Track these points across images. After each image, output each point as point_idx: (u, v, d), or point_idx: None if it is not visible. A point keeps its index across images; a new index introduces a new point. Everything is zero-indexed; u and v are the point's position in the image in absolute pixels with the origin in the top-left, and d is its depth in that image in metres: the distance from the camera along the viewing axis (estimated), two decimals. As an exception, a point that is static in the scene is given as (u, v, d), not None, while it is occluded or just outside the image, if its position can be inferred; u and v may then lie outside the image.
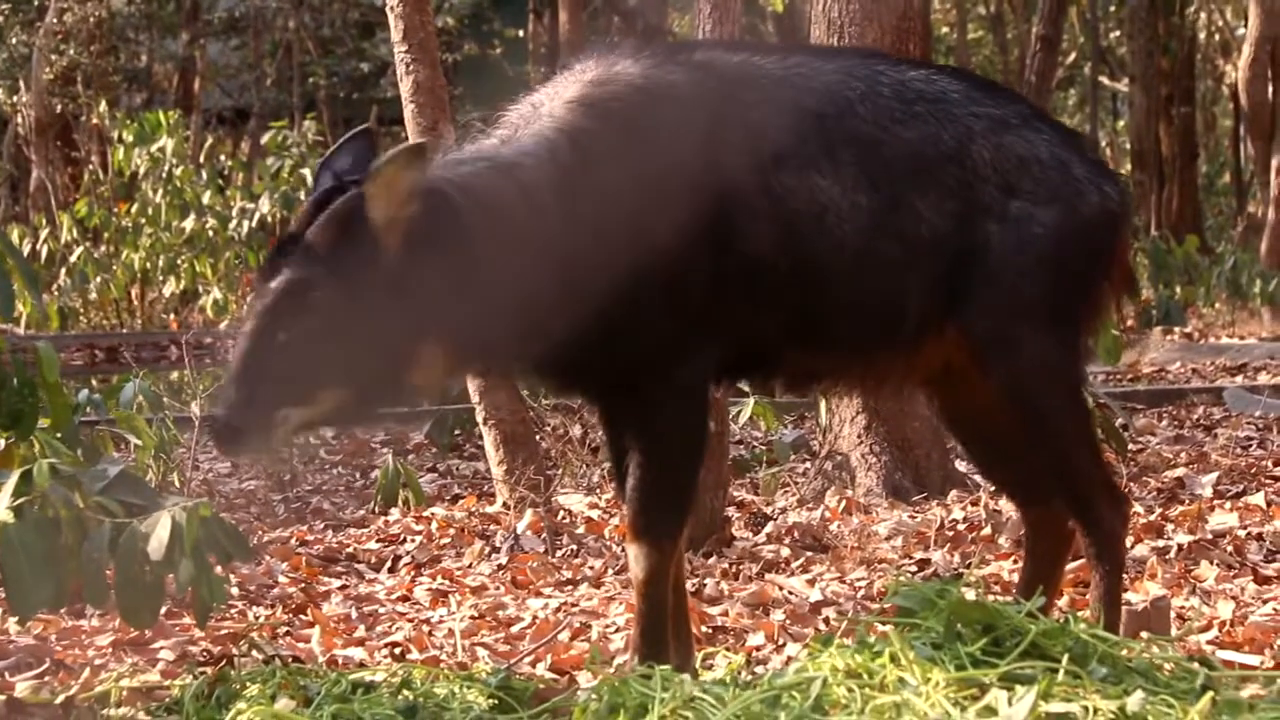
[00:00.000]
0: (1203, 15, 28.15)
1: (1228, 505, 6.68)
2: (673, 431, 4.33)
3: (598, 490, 7.46)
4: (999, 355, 4.29)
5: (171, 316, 16.94)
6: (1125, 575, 5.03)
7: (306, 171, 17.41)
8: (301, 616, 5.58)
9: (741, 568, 6.06)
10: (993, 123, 4.34)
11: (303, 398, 4.15)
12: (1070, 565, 5.64)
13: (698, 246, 4.19)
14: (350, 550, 6.70)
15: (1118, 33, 28.47)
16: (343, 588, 6.06)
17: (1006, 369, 4.30)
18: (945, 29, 29.01)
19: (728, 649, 4.92)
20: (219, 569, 4.32)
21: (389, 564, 6.47)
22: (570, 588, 5.93)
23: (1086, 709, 3.27)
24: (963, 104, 4.36)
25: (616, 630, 5.27)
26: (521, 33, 29.76)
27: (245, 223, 17.03)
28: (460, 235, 4.13)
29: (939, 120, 4.32)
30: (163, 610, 4.37)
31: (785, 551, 6.28)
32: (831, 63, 4.46)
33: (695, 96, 4.28)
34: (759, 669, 4.63)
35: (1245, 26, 20.97)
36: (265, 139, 18.35)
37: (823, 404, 7.51)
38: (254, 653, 4.89)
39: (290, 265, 4.10)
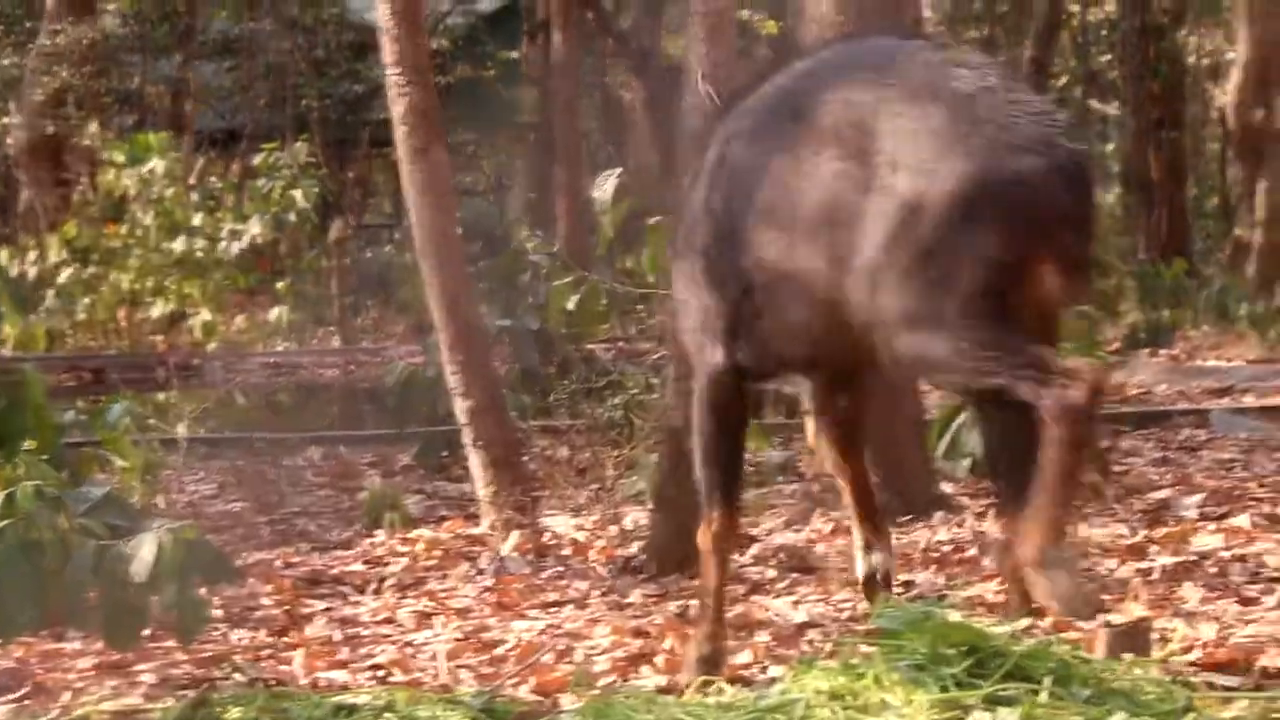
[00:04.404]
0: (1192, 39, 28.20)
1: (1212, 527, 6.67)
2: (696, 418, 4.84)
3: (584, 512, 7.45)
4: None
5: (159, 338, 16.90)
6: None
7: (297, 193, 17.40)
8: (285, 639, 5.58)
9: (727, 589, 6.05)
10: (887, 94, 4.33)
11: None
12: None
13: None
14: (335, 572, 6.69)
15: (1108, 57, 28.53)
16: (327, 610, 6.05)
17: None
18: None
19: (712, 671, 4.91)
20: (202, 591, 4.32)
21: (374, 586, 6.46)
22: (555, 610, 5.93)
23: (1068, 731, 3.27)
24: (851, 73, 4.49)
25: (601, 652, 5.27)
26: (516, 55, 29.78)
27: (235, 244, 17.02)
28: None
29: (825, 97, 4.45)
30: (145, 633, 4.37)
31: (771, 573, 6.28)
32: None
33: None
34: (745, 690, 4.62)
35: (1234, 51, 21.01)
36: (257, 160, 18.34)
37: (810, 425, 7.49)
38: (236, 675, 4.88)
39: None
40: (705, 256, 4.69)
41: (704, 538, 4.88)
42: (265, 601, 6.10)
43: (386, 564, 6.79)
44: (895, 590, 5.86)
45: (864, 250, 4.25)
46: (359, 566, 6.78)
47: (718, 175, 4.70)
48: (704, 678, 4.60)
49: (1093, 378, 4.07)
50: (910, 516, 7.12)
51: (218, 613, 5.68)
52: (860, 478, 5.12)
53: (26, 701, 4.59)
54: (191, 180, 17.93)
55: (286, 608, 6.00)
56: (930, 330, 4.21)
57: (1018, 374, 4.12)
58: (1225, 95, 21.93)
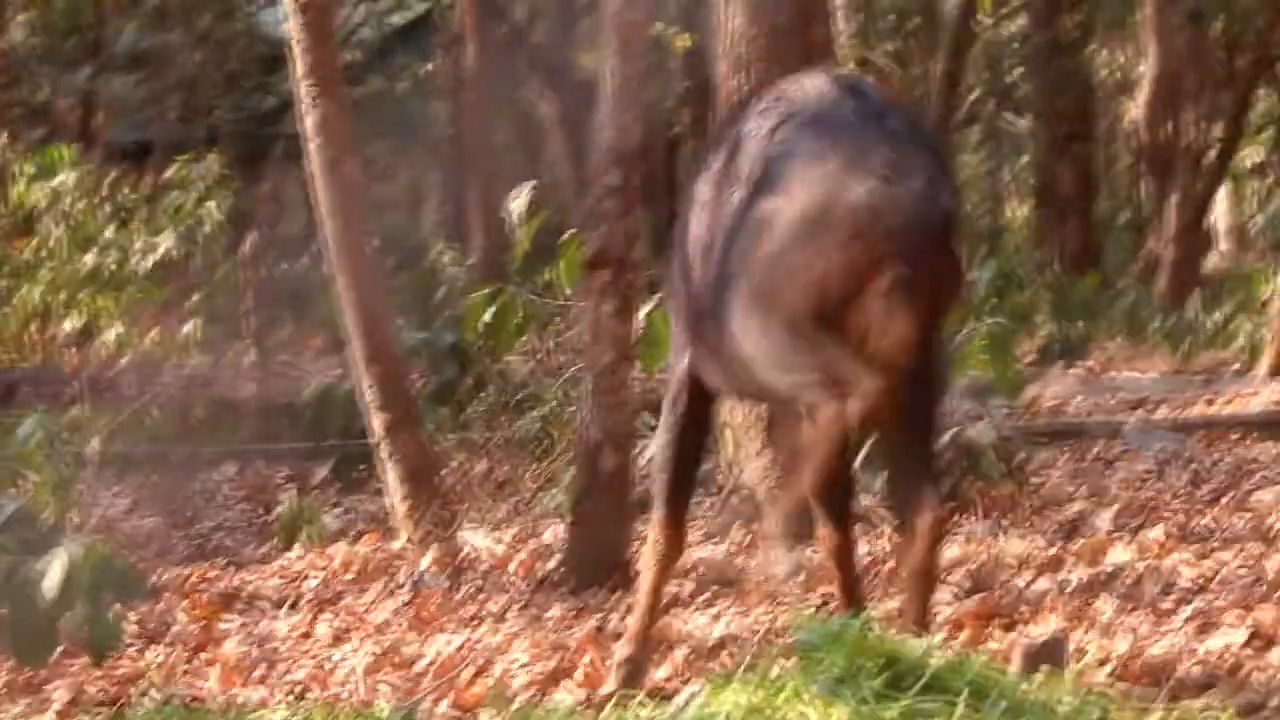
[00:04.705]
0: (1102, 54, 28.45)
1: (1126, 540, 6.72)
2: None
3: (502, 526, 7.43)
4: None
5: (72, 352, 16.73)
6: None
7: (210, 206, 17.27)
8: (200, 656, 5.53)
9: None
10: (780, 126, 4.55)
11: None
12: (971, 600, 5.69)
13: None
14: (251, 588, 6.65)
15: (1019, 71, 28.73)
16: (243, 626, 6.02)
17: None
18: (850, 66, 29.12)
19: (630, 686, 4.90)
20: (116, 608, 4.28)
21: (290, 602, 6.42)
22: (473, 625, 5.91)
23: (985, 744, 3.28)
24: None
25: (520, 667, 5.25)
26: (429, 68, 29.69)
27: (147, 258, 16.87)
28: None
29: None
30: (57, 651, 4.32)
31: (689, 587, 6.27)
32: None
33: None
34: (663, 704, 4.62)
35: (1143, 66, 21.21)
36: (169, 174, 18.20)
37: (729, 439, 7.50)
38: (151, 694, 4.84)
39: None
40: (678, 275, 4.85)
41: (646, 540, 4.97)
42: (180, 618, 6.05)
43: (303, 580, 6.75)
44: (814, 605, 5.90)
45: (726, 264, 4.50)
46: (275, 582, 6.74)
47: (682, 202, 4.88)
48: (623, 687, 4.62)
49: (871, 394, 4.26)
50: (827, 530, 7.14)
51: (132, 630, 5.62)
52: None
53: (-63, 722, 4.54)
54: (102, 193, 17.77)
55: (202, 624, 5.95)
56: (757, 339, 4.44)
57: (814, 383, 4.35)
58: (1135, 110, 22.13)
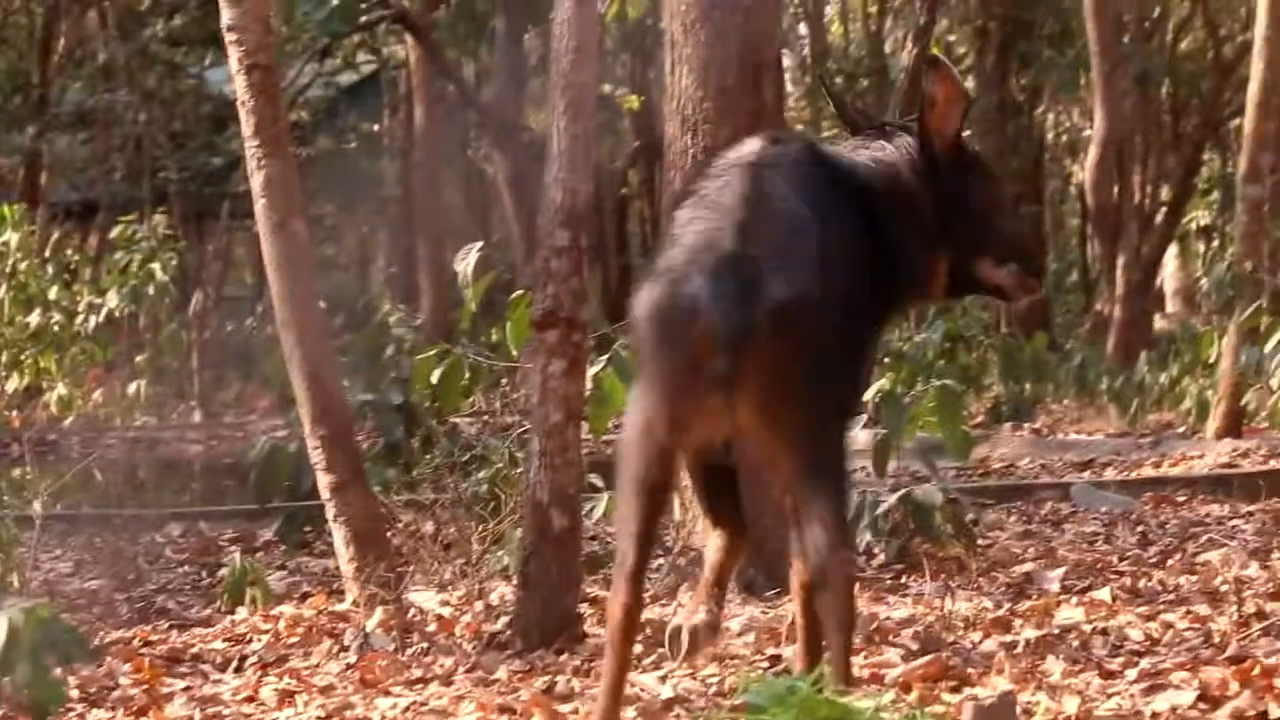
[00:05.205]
0: (1050, 116, 28.67)
1: (1074, 600, 6.73)
2: None
3: (449, 587, 7.38)
4: None
5: (14, 413, 16.64)
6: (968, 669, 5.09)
7: (156, 266, 17.22)
8: (144, 719, 5.48)
9: (594, 665, 6.01)
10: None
11: None
12: (919, 661, 5.67)
13: None
14: (195, 650, 6.59)
15: (968, 133, 28.96)
16: (187, 689, 5.95)
17: None
18: (800, 128, 29.29)
19: (578, 748, 4.88)
20: (58, 671, 4.23)
21: (235, 664, 6.36)
22: (420, 686, 5.86)
23: (936, 806, 3.26)
24: None
25: (466, 729, 5.22)
26: (376, 127, 29.73)
27: (92, 318, 16.80)
28: None
29: None
30: (-2, 714, 4.27)
31: (637, 648, 6.23)
32: None
33: None
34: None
35: (1091, 128, 21.38)
36: (114, 233, 18.15)
37: (676, 500, 7.49)
38: (93, 757, 4.79)
39: None
40: None
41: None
42: (124, 681, 5.99)
43: (248, 641, 6.70)
44: (762, 665, 5.88)
45: None
46: (220, 644, 6.68)
47: None
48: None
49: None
50: (777, 591, 7.13)
51: (74, 693, 5.57)
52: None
53: (-126, 787, 4.48)
54: (47, 253, 17.69)
55: (146, 687, 5.89)
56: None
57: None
58: (1083, 171, 22.27)
